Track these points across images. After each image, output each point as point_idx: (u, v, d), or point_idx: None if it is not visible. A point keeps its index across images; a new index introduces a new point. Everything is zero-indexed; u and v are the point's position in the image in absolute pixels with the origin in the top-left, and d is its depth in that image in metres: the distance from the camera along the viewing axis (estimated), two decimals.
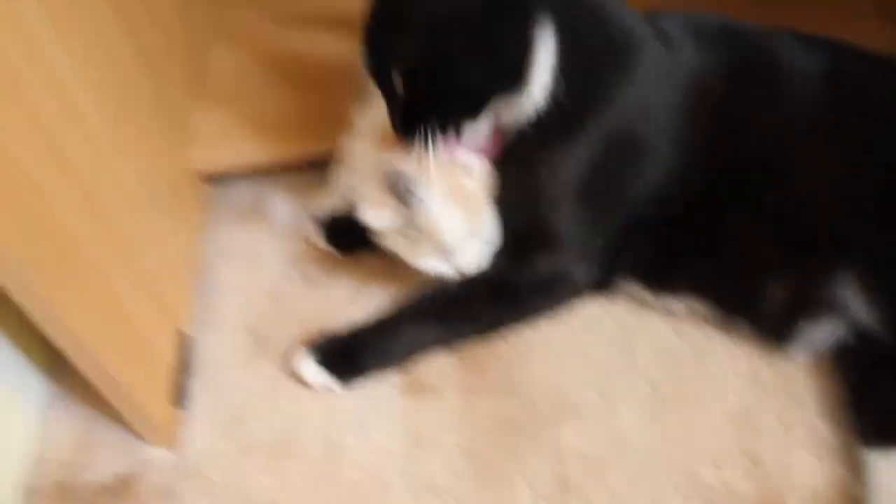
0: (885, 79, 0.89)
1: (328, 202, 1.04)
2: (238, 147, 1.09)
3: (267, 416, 0.91)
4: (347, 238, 1.01)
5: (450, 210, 0.83)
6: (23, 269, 0.67)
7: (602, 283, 0.93)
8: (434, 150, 0.79)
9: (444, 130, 0.79)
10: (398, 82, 0.77)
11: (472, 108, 0.78)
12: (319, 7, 1.27)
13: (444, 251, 0.86)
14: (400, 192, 0.82)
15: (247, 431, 0.90)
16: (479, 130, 0.82)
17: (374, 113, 0.88)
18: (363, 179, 0.86)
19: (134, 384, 0.83)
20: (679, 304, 0.92)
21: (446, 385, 0.90)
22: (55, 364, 0.97)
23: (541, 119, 0.81)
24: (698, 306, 0.91)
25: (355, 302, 0.99)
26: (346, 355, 0.91)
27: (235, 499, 0.85)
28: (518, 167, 0.85)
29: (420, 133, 0.78)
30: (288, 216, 1.10)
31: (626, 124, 0.83)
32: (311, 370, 0.90)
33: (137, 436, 0.90)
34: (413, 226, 0.85)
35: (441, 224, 0.83)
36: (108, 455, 0.90)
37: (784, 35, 0.90)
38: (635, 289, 0.94)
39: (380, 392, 0.91)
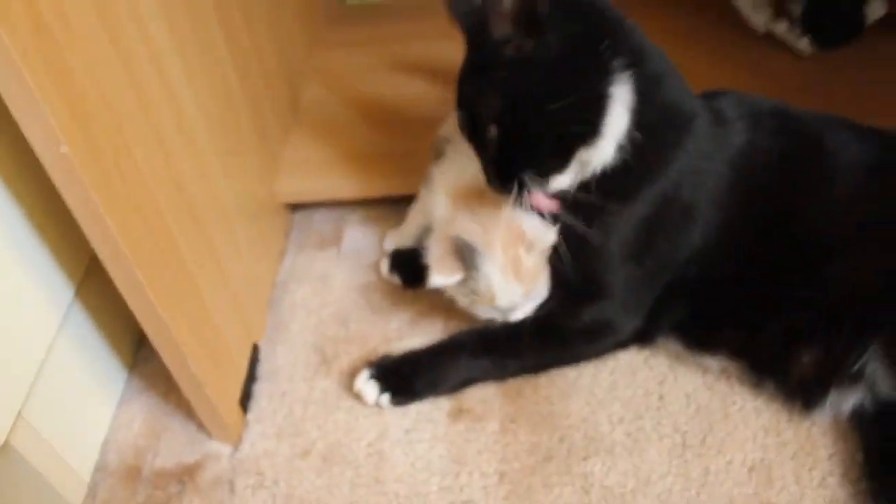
0: None
1: (399, 238, 1.13)
2: (321, 181, 1.19)
3: (322, 425, 0.98)
4: (411, 272, 1.09)
5: (508, 282, 0.91)
6: (135, 268, 0.77)
7: (644, 336, 0.99)
8: (524, 200, 0.85)
9: (534, 182, 0.85)
10: (491, 135, 0.84)
11: (559, 159, 0.85)
12: (407, 55, 1.39)
13: (497, 311, 0.94)
14: (464, 259, 0.91)
15: (302, 437, 0.97)
16: (564, 183, 0.87)
17: (452, 171, 0.98)
18: (434, 239, 0.95)
19: (210, 383, 0.92)
20: (713, 362, 0.97)
21: (489, 413, 0.97)
22: (137, 359, 1.08)
23: (606, 176, 0.88)
24: (731, 366, 0.96)
25: (414, 331, 1.07)
26: (402, 378, 0.98)
27: (285, 495, 0.91)
28: (580, 225, 0.91)
29: (512, 185, 0.85)
30: (361, 246, 1.19)
31: (678, 191, 0.90)
32: (370, 388, 0.98)
33: (204, 430, 0.98)
34: (472, 289, 0.93)
35: (498, 293, 0.91)
36: (175, 445, 0.98)
37: (835, 122, 0.95)
38: (673, 344, 0.99)
39: (428, 413, 0.98)
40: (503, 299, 0.92)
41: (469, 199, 0.94)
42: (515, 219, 0.91)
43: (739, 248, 0.92)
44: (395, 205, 1.14)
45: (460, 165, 0.95)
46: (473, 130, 0.87)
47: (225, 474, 0.95)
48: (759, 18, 1.29)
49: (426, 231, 0.99)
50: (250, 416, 1.00)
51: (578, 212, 0.90)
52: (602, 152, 0.85)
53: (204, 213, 0.92)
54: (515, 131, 0.83)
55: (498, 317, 0.95)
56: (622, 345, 1.00)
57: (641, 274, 0.94)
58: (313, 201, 1.22)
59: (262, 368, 1.05)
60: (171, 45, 0.85)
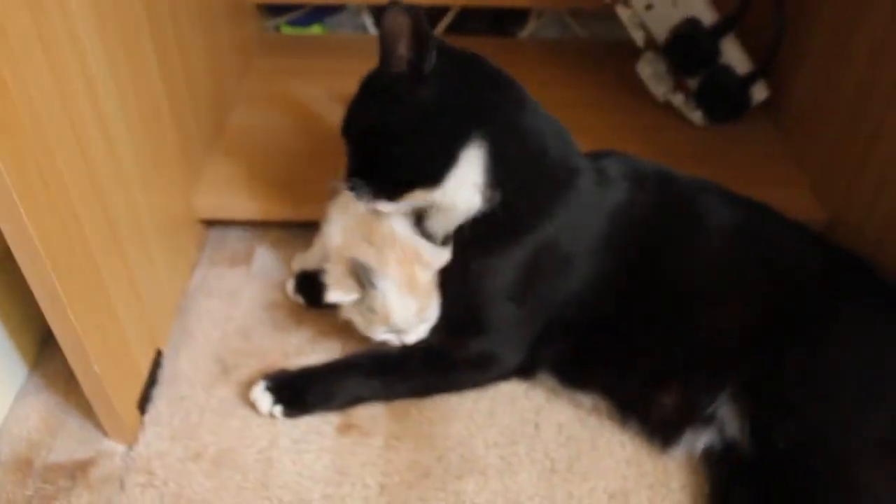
0: (788, 239, 1.04)
1: (305, 261, 1.19)
2: (236, 200, 1.23)
3: (216, 430, 1.02)
4: (314, 293, 1.14)
5: (403, 298, 0.97)
6: (49, 269, 0.80)
7: (525, 370, 1.06)
8: (367, 205, 0.97)
9: (365, 197, 0.96)
10: (347, 144, 0.96)
11: (391, 192, 0.95)
12: (336, 88, 1.41)
13: (393, 330, 1.00)
14: (360, 279, 0.97)
15: (196, 441, 1.01)
16: (391, 209, 0.97)
17: (346, 206, 1.04)
18: (332, 262, 1.00)
19: (110, 382, 0.94)
20: (586, 398, 1.04)
21: (375, 429, 1.02)
22: (41, 358, 1.10)
23: (478, 224, 0.96)
24: (601, 403, 1.03)
25: (313, 349, 1.12)
26: (296, 392, 1.03)
27: (173, 495, 0.95)
28: (460, 263, 0.99)
29: (353, 188, 0.96)
30: (270, 266, 1.24)
31: (557, 241, 0.98)
32: (264, 398, 1.02)
33: (101, 429, 1.01)
34: (368, 308, 0.99)
35: (394, 310, 0.97)
36: (70, 442, 1.01)
37: (710, 187, 1.05)
38: (551, 379, 1.06)
39: (318, 426, 1.02)
40: (398, 316, 0.97)
41: (362, 228, 1.00)
42: (409, 241, 0.98)
43: (612, 295, 1.00)
44: (306, 229, 1.19)
45: (354, 202, 1.01)
46: (346, 141, 0.97)
47: (116, 472, 0.97)
48: (658, 89, 1.40)
49: (324, 269, 1.04)
50: (147, 417, 1.03)
51: (459, 254, 0.99)
52: (453, 202, 0.94)
53: (120, 221, 0.95)
54: (364, 151, 0.95)
55: (393, 339, 1.01)
56: (504, 376, 1.07)
57: (522, 313, 1.01)
58: (228, 219, 1.27)
59: (164, 373, 1.08)
60: (104, 63, 0.90)
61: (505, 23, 1.64)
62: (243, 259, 1.25)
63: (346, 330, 1.09)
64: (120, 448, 1.00)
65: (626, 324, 1.01)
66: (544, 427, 1.03)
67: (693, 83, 1.37)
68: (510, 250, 0.98)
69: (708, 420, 0.96)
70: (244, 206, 1.24)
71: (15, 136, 0.73)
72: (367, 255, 0.97)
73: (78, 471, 0.97)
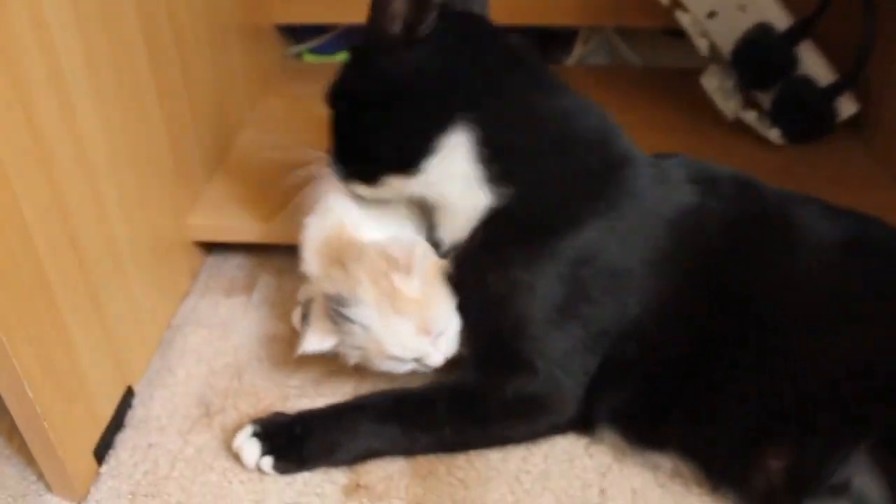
0: None
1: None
2: (237, 220, 1.02)
3: (188, 486, 0.77)
4: None
5: (389, 321, 0.74)
6: None
7: (584, 422, 0.80)
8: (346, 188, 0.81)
9: (342, 176, 0.80)
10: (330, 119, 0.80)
11: (367, 172, 0.79)
12: None
13: (396, 359, 0.76)
14: (333, 316, 0.75)
15: (161, 499, 0.76)
16: (366, 194, 0.81)
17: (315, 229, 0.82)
18: (313, 305, 0.78)
19: (62, 437, 0.73)
20: (662, 460, 0.77)
21: (392, 492, 0.76)
22: None
23: (492, 227, 0.75)
24: (683, 466, 0.76)
25: (318, 391, 0.87)
26: (291, 440, 0.78)
27: None
28: (477, 276, 0.76)
29: (336, 167, 0.80)
30: (273, 296, 1.00)
31: (600, 249, 0.75)
32: (250, 447, 0.77)
33: (42, 482, 0.76)
34: (355, 345, 0.76)
35: (383, 339, 0.74)
36: (1, 494, 0.76)
37: (803, 199, 0.81)
38: (614, 436, 0.79)
39: (318, 485, 0.77)
40: (394, 344, 0.74)
41: (332, 242, 0.79)
42: (377, 245, 0.76)
43: (687, 324, 0.76)
44: None
45: (328, 201, 0.82)
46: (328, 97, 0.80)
47: None
48: (728, 105, 1.17)
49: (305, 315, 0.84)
50: (105, 468, 0.79)
51: (469, 263, 0.76)
52: (441, 193, 0.77)
53: (86, 240, 0.77)
54: (342, 123, 0.79)
55: (415, 368, 0.77)
56: (557, 429, 0.81)
57: (568, 343, 0.76)
58: (228, 242, 1.04)
59: (133, 415, 0.85)
60: (82, 68, 0.75)
61: (549, 50, 1.44)
62: (242, 288, 1.02)
63: (359, 370, 0.84)
64: None
65: (707, 364, 0.75)
66: (613, 494, 0.76)
67: (766, 98, 1.14)
68: (539, 259, 0.74)
69: (839, 490, 0.68)
70: (245, 227, 1.02)
71: None
72: (336, 281, 0.76)
73: None
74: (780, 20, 1.10)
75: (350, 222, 0.79)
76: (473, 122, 0.73)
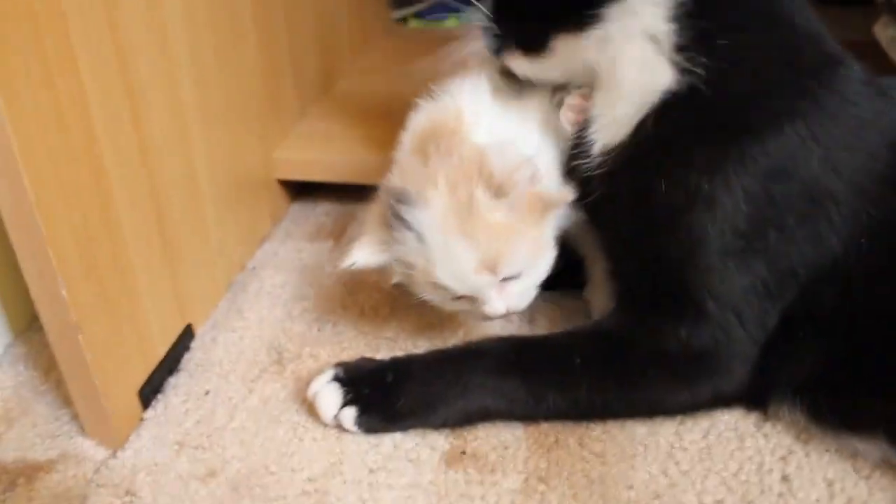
0: None
1: None
2: (327, 156, 0.87)
3: (248, 441, 0.60)
4: None
5: (451, 241, 0.57)
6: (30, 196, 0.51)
7: (756, 393, 0.60)
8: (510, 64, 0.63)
9: (507, 54, 0.63)
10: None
11: (524, 35, 0.61)
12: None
13: (444, 291, 0.59)
14: (391, 218, 0.58)
15: (213, 452, 0.60)
16: (541, 73, 0.63)
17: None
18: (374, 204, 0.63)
19: (103, 368, 0.59)
20: (865, 446, 0.57)
21: (508, 464, 0.58)
22: (33, 326, 0.73)
23: (669, 116, 0.56)
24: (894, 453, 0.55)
25: (416, 343, 0.70)
26: (382, 391, 0.60)
27: None
28: (638, 185, 0.58)
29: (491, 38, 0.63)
30: None
31: (803, 160, 0.56)
32: (330, 393, 0.60)
33: (77, 423, 0.61)
34: (403, 259, 0.59)
35: (436, 258, 0.57)
36: (30, 434, 0.62)
37: None
38: (797, 412, 0.59)
39: (412, 449, 0.59)
40: (446, 270, 0.57)
41: (430, 137, 0.61)
42: (481, 148, 0.58)
43: None
44: None
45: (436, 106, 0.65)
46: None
47: (79, 486, 0.57)
48: None
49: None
50: (150, 413, 0.64)
51: (627, 170, 0.58)
52: (615, 61, 0.57)
53: (163, 165, 0.66)
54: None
55: (465, 309, 0.61)
56: (721, 399, 0.61)
57: (747, 281, 0.57)
58: (317, 181, 0.89)
59: (191, 357, 0.69)
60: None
61: None
62: (329, 234, 0.86)
63: (465, 322, 0.67)
64: (100, 452, 0.61)
65: None
66: (801, 482, 0.55)
67: None
68: (724, 165, 0.56)
69: None
70: (337, 163, 0.86)
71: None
72: (408, 174, 0.59)
73: (23, 476, 0.57)
74: None
75: (470, 114, 0.62)
76: None
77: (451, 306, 0.61)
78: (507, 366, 0.60)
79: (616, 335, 0.60)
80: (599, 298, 0.67)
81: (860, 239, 0.56)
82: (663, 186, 0.56)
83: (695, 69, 0.55)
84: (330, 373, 0.61)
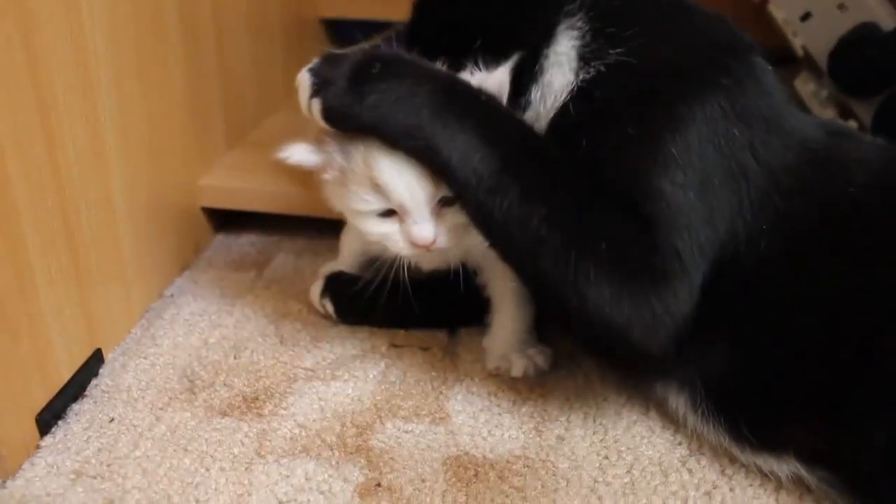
0: None
1: (336, 267, 0.74)
2: (255, 187, 0.84)
3: (152, 471, 0.56)
4: (349, 300, 0.70)
5: (378, 163, 0.55)
6: None
7: (666, 363, 0.55)
8: None
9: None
10: None
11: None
12: None
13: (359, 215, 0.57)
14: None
15: (112, 483, 0.55)
16: None
17: None
18: None
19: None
20: (782, 467, 0.55)
21: (426, 497, 0.54)
22: None
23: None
24: (812, 478, 0.54)
25: (334, 374, 0.66)
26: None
27: None
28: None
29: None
30: (288, 275, 0.81)
31: (723, 131, 0.54)
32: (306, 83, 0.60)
33: None
34: (342, 162, 0.57)
35: (383, 157, 0.54)
36: None
37: None
38: (712, 433, 0.57)
39: (324, 483, 0.55)
40: (389, 168, 0.54)
41: None
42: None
43: (823, 276, 0.54)
44: (333, 240, 0.75)
45: None
46: None
47: None
48: (824, 115, 0.99)
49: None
50: (48, 440, 0.58)
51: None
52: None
53: (76, 183, 0.62)
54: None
55: (393, 235, 0.57)
56: (652, 330, 0.52)
57: (694, 198, 0.53)
58: (242, 209, 0.85)
59: (98, 383, 0.64)
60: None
61: None
62: (253, 265, 0.82)
63: (390, 353, 0.65)
64: None
65: (869, 321, 0.52)
66: None
67: (864, 110, 0.96)
68: (657, 120, 0.54)
69: None
70: (263, 193, 0.83)
71: None
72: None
73: None
74: (887, 18, 0.93)
75: None
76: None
77: (373, 227, 0.57)
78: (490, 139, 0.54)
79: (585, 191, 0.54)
80: (499, 348, 0.65)
81: (762, 225, 0.54)
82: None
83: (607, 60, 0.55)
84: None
